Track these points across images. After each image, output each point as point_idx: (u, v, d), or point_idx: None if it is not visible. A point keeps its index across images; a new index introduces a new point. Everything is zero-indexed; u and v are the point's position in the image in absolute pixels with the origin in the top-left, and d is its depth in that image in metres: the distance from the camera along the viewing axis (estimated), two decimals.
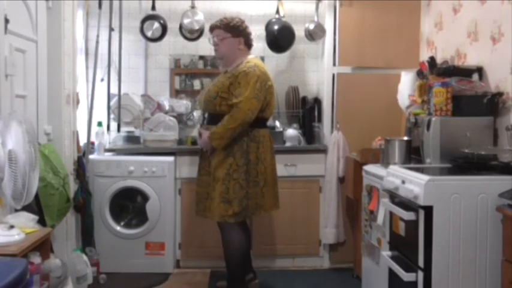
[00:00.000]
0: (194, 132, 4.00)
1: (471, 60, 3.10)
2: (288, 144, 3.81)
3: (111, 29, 3.84)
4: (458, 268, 2.23)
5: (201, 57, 4.24)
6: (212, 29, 3.11)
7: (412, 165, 2.71)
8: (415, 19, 3.76)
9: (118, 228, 3.59)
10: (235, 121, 2.89)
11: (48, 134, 3.00)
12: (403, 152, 2.85)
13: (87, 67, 4.09)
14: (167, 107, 4.07)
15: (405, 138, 2.97)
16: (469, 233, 2.22)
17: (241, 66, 2.98)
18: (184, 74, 4.29)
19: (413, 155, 2.88)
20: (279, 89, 4.14)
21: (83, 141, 3.57)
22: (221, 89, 2.96)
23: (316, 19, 3.97)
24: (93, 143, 3.70)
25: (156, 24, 3.94)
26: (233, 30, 3.04)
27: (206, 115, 3.14)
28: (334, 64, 3.77)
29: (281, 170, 3.61)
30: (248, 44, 3.11)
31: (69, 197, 2.87)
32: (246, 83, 2.89)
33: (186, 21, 3.91)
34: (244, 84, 2.89)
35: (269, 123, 3.96)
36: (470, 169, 2.45)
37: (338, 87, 3.73)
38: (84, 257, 3.05)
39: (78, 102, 3.45)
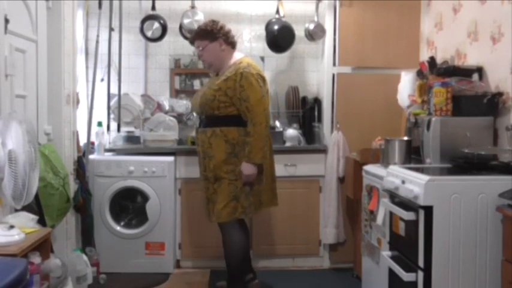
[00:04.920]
0: (194, 132, 3.99)
1: (471, 60, 3.10)
2: (288, 144, 3.80)
3: (111, 29, 3.84)
4: (458, 268, 2.23)
5: None
6: (191, 42, 3.15)
7: (412, 165, 2.71)
8: (415, 19, 3.76)
9: (118, 228, 3.59)
10: (260, 126, 2.88)
11: (48, 134, 3.00)
12: (403, 152, 2.85)
13: (87, 67, 4.09)
14: (167, 107, 4.07)
15: (405, 138, 2.97)
16: (469, 233, 2.22)
17: (235, 67, 2.95)
18: (184, 74, 4.29)
19: (413, 155, 2.88)
20: (279, 89, 4.16)
21: (83, 141, 3.57)
22: (218, 92, 2.92)
23: (316, 19, 3.97)
24: (93, 143, 3.70)
25: (156, 24, 3.94)
26: (208, 35, 3.01)
27: (203, 118, 3.08)
28: (334, 64, 3.77)
29: (281, 170, 3.61)
30: (230, 43, 3.06)
31: (69, 197, 2.87)
32: (250, 84, 2.87)
33: (186, 21, 3.91)
34: (247, 86, 2.87)
35: None
36: (470, 169, 2.45)
37: (338, 87, 3.73)
38: (84, 257, 3.05)
39: (78, 102, 3.45)
